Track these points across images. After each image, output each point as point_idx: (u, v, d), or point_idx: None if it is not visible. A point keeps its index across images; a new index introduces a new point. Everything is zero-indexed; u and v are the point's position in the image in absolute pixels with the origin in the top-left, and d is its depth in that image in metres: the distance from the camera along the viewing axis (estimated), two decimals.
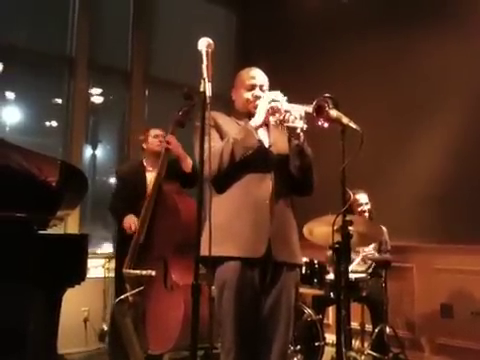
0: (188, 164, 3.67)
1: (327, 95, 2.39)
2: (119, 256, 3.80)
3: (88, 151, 5.35)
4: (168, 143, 3.65)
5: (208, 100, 2.07)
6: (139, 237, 3.57)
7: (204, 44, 2.13)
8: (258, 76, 2.62)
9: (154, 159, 3.88)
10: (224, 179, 2.43)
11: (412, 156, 4.63)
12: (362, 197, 4.20)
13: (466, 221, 4.15)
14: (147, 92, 5.58)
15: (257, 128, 2.45)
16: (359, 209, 4.15)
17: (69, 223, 4.64)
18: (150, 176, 3.87)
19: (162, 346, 3.39)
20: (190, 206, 3.48)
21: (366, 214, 4.18)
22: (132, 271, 3.47)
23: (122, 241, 3.76)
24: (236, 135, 2.41)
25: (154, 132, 3.96)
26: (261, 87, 2.59)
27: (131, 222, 3.66)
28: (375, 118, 4.42)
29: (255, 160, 2.43)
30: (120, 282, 3.61)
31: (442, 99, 4.46)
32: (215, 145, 2.38)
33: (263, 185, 2.44)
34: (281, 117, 2.39)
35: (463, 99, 4.33)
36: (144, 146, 4.00)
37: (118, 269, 3.72)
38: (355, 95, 4.57)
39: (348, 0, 5.17)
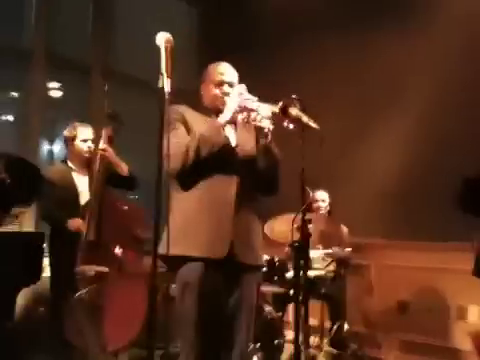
0: (124, 168, 3.71)
1: (294, 96, 2.38)
2: (57, 258, 3.72)
3: (45, 147, 5.22)
4: (104, 151, 3.61)
5: (167, 96, 2.03)
6: (88, 235, 3.52)
7: (162, 39, 2.09)
8: (227, 72, 2.59)
9: (81, 163, 3.83)
10: (189, 177, 2.39)
11: (371, 153, 4.69)
12: (319, 194, 4.23)
13: (424, 218, 4.23)
14: (107, 87, 5.47)
15: (225, 125, 2.43)
16: (314, 205, 4.17)
17: (25, 221, 4.51)
18: (79, 179, 3.81)
19: (123, 339, 3.38)
20: (132, 207, 3.68)
21: (322, 211, 4.20)
22: (87, 267, 3.43)
23: (59, 242, 3.69)
24: (203, 131, 2.38)
25: (82, 135, 3.80)
26: (230, 84, 2.55)
27: (78, 223, 3.61)
28: (335, 115, 4.46)
29: (220, 160, 2.40)
30: (62, 283, 3.56)
31: (402, 96, 4.53)
32: (180, 140, 2.35)
33: (228, 186, 2.42)
34: (248, 116, 2.37)
35: (422, 96, 4.39)
36: (70, 146, 3.86)
37: (59, 270, 3.65)
38: (315, 92, 4.57)
39: None
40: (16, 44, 4.99)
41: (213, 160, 2.38)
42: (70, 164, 3.85)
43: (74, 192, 3.75)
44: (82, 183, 3.80)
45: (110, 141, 3.65)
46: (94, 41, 5.42)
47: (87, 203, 3.66)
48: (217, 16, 6.08)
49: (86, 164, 3.83)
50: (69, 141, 3.83)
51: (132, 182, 3.78)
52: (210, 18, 6.22)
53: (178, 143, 2.29)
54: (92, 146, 3.79)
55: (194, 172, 2.38)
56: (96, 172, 3.62)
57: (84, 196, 3.75)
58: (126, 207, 3.64)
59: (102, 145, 3.62)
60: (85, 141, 3.79)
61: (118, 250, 3.53)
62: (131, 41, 5.65)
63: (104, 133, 3.62)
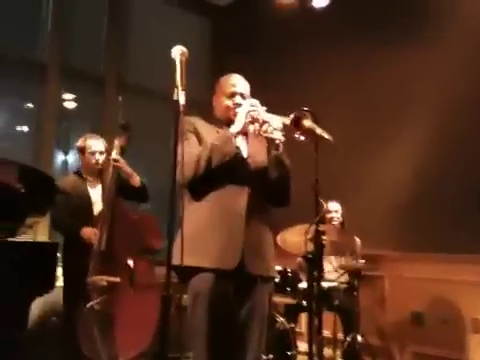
0: (136, 180, 3.70)
1: (305, 108, 2.40)
2: (70, 268, 3.73)
3: (60, 157, 5.26)
4: (116, 161, 3.62)
5: (181, 108, 2.05)
6: (100, 246, 3.54)
7: (178, 52, 2.12)
8: (239, 84, 2.60)
9: (92, 173, 3.86)
10: (200, 187, 2.40)
11: (383, 165, 4.67)
12: (332, 205, 4.22)
13: (437, 230, 4.19)
14: (120, 98, 5.52)
15: (236, 135, 2.44)
16: (328, 216, 4.16)
17: (39, 231, 4.55)
18: (93, 190, 3.84)
19: (134, 349, 3.36)
20: (144, 216, 3.69)
21: (335, 222, 4.19)
22: (99, 277, 3.44)
23: (73, 252, 3.69)
24: (214, 141, 2.39)
25: (91, 147, 3.82)
26: (242, 95, 2.57)
27: (91, 232, 3.63)
28: (344, 124, 4.44)
29: (232, 171, 2.40)
30: (75, 293, 3.55)
31: (411, 105, 4.52)
32: (192, 150, 2.36)
33: (239, 197, 2.42)
34: (260, 127, 2.38)
35: (432, 105, 4.39)
36: (81, 158, 3.90)
37: (71, 280, 3.66)
38: (326, 104, 4.58)
39: (320, 8, 5.23)
40: (32, 56, 5.05)
41: (224, 171, 2.38)
42: (84, 175, 3.87)
43: (87, 202, 3.77)
44: (95, 193, 3.83)
45: (122, 151, 3.66)
46: (108, 53, 5.48)
47: (100, 213, 3.68)
48: (229, 29, 6.13)
49: (98, 174, 3.85)
50: (80, 152, 3.87)
51: (144, 194, 3.77)
52: (222, 31, 6.27)
53: (190, 153, 2.30)
54: (100, 158, 3.81)
55: (205, 182, 2.39)
56: (108, 182, 3.64)
57: (97, 206, 3.77)
58: (138, 217, 3.64)
59: (114, 156, 3.63)
60: (93, 153, 3.80)
61: (130, 260, 3.54)
62: (144, 53, 5.71)
63: (116, 143, 3.64)
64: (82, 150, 3.84)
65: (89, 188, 3.84)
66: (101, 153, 3.81)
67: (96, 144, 3.83)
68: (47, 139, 4.95)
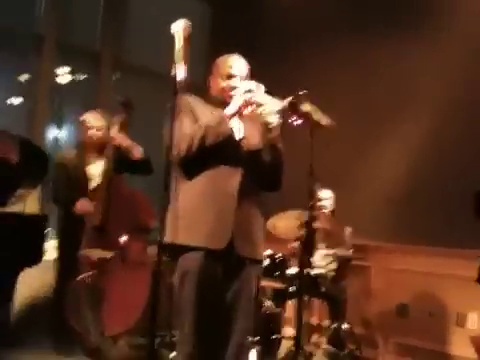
0: (137, 151, 3.64)
1: (302, 92, 2.37)
2: (64, 239, 3.80)
3: (52, 132, 5.21)
4: (113, 140, 3.60)
5: (182, 83, 2.02)
6: (94, 220, 3.53)
7: (180, 26, 2.07)
8: (236, 65, 2.55)
9: (91, 148, 3.85)
10: (193, 165, 2.38)
11: (376, 157, 4.69)
12: (324, 193, 4.20)
13: (426, 223, 4.22)
14: (116, 76, 5.47)
15: (231, 117, 2.42)
16: (319, 203, 4.14)
17: (28, 203, 4.50)
18: (93, 166, 3.83)
19: (121, 325, 3.38)
20: (140, 195, 3.66)
21: (325, 210, 4.18)
22: (91, 251, 3.44)
23: (68, 225, 3.76)
24: (209, 121, 2.37)
25: (88, 122, 3.83)
26: (239, 77, 2.52)
27: (86, 206, 3.63)
28: (342, 118, 4.42)
29: (225, 152, 2.38)
30: (67, 266, 3.61)
31: (410, 102, 4.53)
32: (187, 128, 2.34)
33: (231, 178, 2.41)
34: (256, 110, 2.36)
35: (431, 102, 4.40)
36: (81, 133, 3.92)
37: (65, 252, 3.73)
38: (324, 95, 4.56)
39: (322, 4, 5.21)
40: (27, 29, 4.97)
41: (218, 151, 2.36)
42: (84, 149, 3.88)
43: (83, 176, 3.77)
44: (94, 168, 3.81)
45: (123, 127, 3.63)
46: (105, 30, 5.42)
47: (96, 187, 3.67)
48: (229, 16, 6.06)
49: (97, 150, 3.82)
50: (81, 126, 3.89)
51: (147, 166, 3.66)
52: (222, 18, 6.20)
53: (183, 132, 2.29)
54: (96, 134, 3.81)
55: (198, 161, 2.37)
56: (106, 157, 3.63)
57: (95, 181, 3.76)
58: (134, 195, 3.63)
59: (112, 132, 3.61)
60: (90, 128, 3.81)
61: (123, 237, 3.53)
62: (142, 31, 5.65)
63: (116, 120, 3.62)
64: (82, 124, 3.85)
65: (89, 163, 3.83)
66: (98, 129, 3.80)
67: (93, 120, 3.83)
68: (40, 113, 4.90)
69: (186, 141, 2.31)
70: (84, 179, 3.77)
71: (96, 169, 3.79)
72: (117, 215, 3.54)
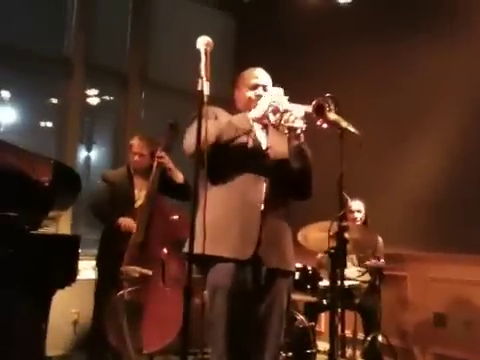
0: (179, 176, 3.79)
1: (327, 95, 2.37)
2: (105, 256, 3.88)
3: (82, 153, 5.31)
4: (160, 158, 3.75)
5: (206, 99, 2.04)
6: (137, 237, 3.66)
7: (203, 42, 2.12)
8: (261, 76, 2.62)
9: (136, 169, 4.01)
10: (218, 163, 2.32)
11: (408, 163, 4.61)
12: (355, 204, 4.17)
13: (461, 230, 4.14)
14: (144, 95, 5.55)
15: (255, 120, 2.42)
16: (350, 215, 4.11)
17: (61, 224, 4.59)
18: (138, 185, 3.98)
19: (159, 342, 3.40)
20: (182, 215, 3.71)
21: (358, 222, 4.14)
22: (132, 268, 3.51)
23: (109, 241, 3.84)
24: (231, 120, 2.39)
25: (133, 147, 3.99)
26: (264, 87, 2.57)
27: (129, 223, 3.75)
28: (371, 124, 4.39)
29: (251, 161, 2.40)
30: (107, 281, 3.69)
31: (439, 105, 4.45)
32: (210, 125, 2.33)
33: (257, 188, 2.41)
34: (281, 116, 2.35)
35: (460, 105, 4.33)
36: (129, 156, 4.08)
37: (105, 268, 3.81)
38: (352, 100, 4.53)
39: (343, 5, 5.18)
40: (56, 53, 5.10)
41: (243, 161, 2.38)
42: (131, 171, 4.03)
43: (130, 195, 3.92)
44: (140, 188, 3.96)
45: (168, 149, 3.76)
46: (131, 50, 5.51)
47: (140, 206, 3.80)
48: (253, 25, 6.10)
49: (141, 171, 3.96)
50: (129, 150, 4.05)
51: (186, 191, 3.72)
52: (246, 27, 6.24)
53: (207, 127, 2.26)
54: (139, 160, 3.95)
55: (224, 170, 2.38)
56: (151, 177, 3.75)
57: (139, 202, 3.90)
58: (176, 215, 3.72)
59: (159, 152, 3.74)
60: (135, 154, 3.96)
61: (163, 255, 3.60)
62: (168, 50, 5.72)
63: (163, 141, 3.76)
64: (130, 148, 4.02)
65: (135, 183, 3.98)
66: (141, 155, 3.94)
67: (138, 146, 3.97)
68: (71, 135, 5.00)
69: (211, 133, 2.23)
70: (130, 197, 3.90)
71: (139, 189, 3.95)
72: (159, 234, 3.65)
